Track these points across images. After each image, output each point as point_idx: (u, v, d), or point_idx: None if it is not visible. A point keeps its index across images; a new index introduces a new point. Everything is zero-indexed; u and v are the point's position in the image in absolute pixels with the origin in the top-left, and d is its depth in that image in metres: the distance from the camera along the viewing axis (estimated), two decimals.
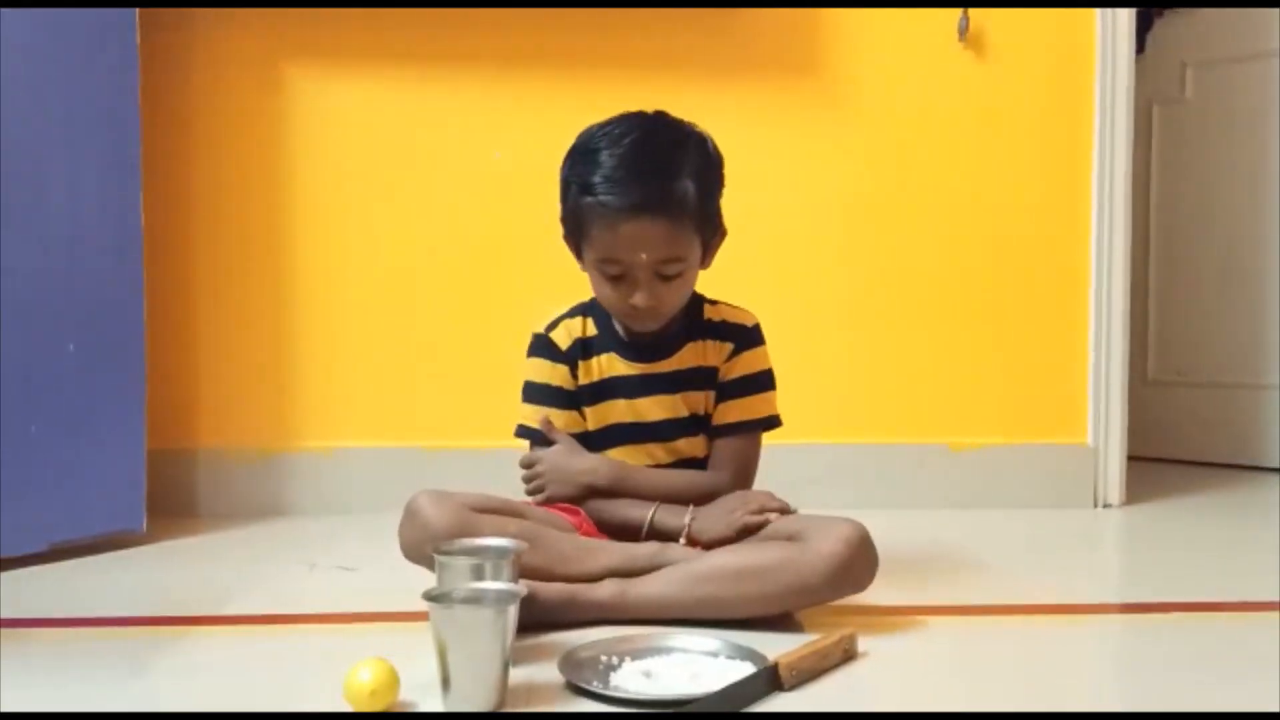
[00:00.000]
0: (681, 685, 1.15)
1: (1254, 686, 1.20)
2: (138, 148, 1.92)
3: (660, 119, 1.51)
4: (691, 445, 1.59)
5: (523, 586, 1.21)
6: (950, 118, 2.32)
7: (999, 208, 2.34)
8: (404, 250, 2.26)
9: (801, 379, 2.30)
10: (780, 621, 1.39)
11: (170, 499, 2.14)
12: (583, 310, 1.61)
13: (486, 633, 1.10)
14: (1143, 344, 2.97)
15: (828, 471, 2.25)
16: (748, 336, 1.60)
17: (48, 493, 1.78)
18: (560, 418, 1.57)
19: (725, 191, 2.36)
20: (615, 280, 1.48)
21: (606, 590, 1.41)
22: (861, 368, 2.34)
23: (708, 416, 1.59)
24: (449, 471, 2.21)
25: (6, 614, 1.49)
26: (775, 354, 2.29)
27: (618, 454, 1.57)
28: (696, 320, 1.59)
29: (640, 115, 1.51)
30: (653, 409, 1.56)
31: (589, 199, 1.46)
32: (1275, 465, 2.81)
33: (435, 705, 1.10)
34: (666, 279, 1.47)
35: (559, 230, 2.29)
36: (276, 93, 2.22)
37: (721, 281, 2.29)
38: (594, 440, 1.58)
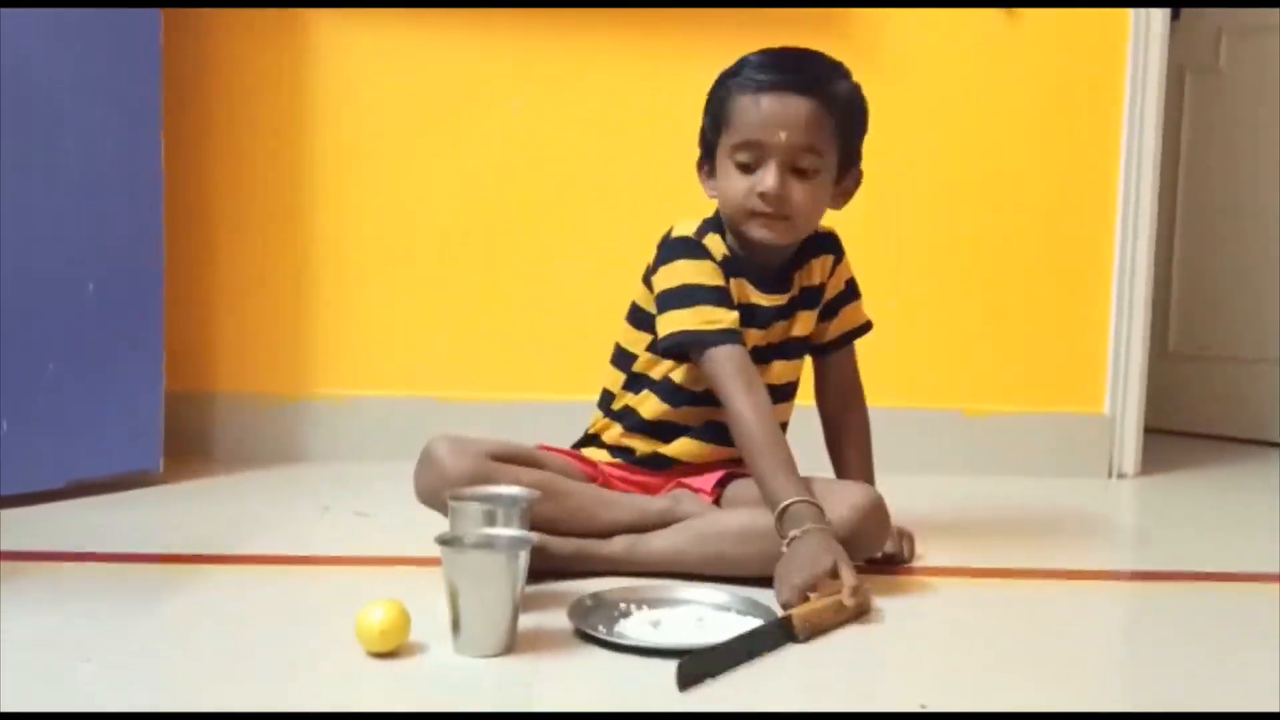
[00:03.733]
0: (689, 635, 1.16)
1: (1255, 654, 1.20)
2: (158, 90, 1.92)
3: (826, 56, 1.46)
4: (784, 369, 1.52)
5: (534, 535, 1.21)
6: (979, 81, 2.30)
7: (1025, 173, 2.32)
8: (422, 200, 2.26)
9: None
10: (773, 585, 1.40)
11: (187, 441, 2.16)
12: (714, 227, 1.49)
13: (497, 578, 1.10)
14: (1165, 315, 2.95)
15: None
16: (838, 244, 1.55)
17: (66, 430, 1.80)
18: (733, 316, 1.42)
19: None
20: (747, 169, 1.40)
21: (617, 546, 1.41)
22: (879, 331, 2.31)
23: (805, 340, 1.54)
24: (463, 422, 2.22)
25: (23, 547, 1.50)
26: None
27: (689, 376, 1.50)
28: (809, 250, 1.52)
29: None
30: (771, 339, 1.51)
31: (735, 80, 1.41)
32: None
33: (445, 648, 1.11)
34: (801, 175, 1.39)
35: (579, 182, 2.30)
36: (297, 40, 2.21)
37: None
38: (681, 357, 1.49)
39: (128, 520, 1.71)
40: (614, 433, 1.55)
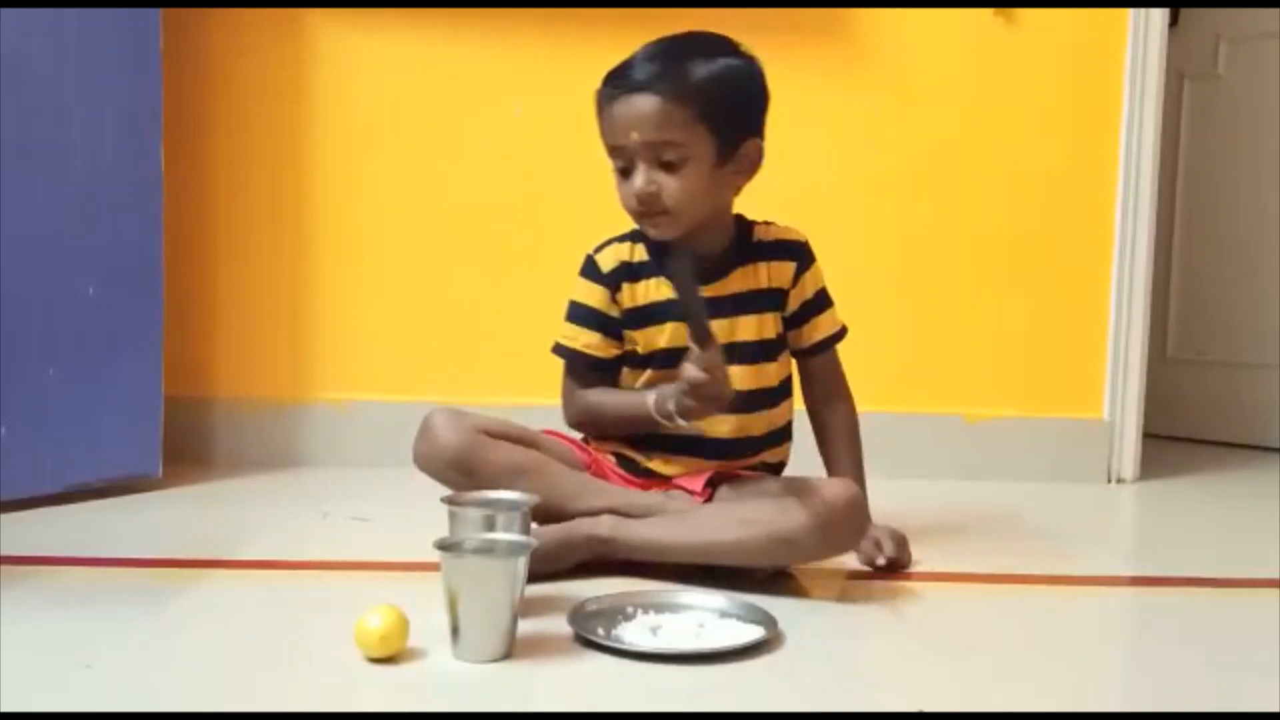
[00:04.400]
0: (687, 640, 1.16)
1: (1254, 660, 1.20)
2: (159, 92, 1.92)
3: (704, 33, 1.49)
4: (736, 376, 1.43)
5: (534, 539, 1.21)
6: (978, 85, 2.30)
7: (1024, 177, 2.32)
8: (423, 203, 2.26)
9: None
10: (785, 586, 1.40)
11: (186, 446, 2.15)
12: (635, 235, 1.54)
13: (497, 583, 1.10)
14: (1163, 320, 2.95)
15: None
16: (807, 252, 1.57)
17: (65, 434, 1.80)
18: (587, 338, 1.52)
19: None
20: (623, 175, 1.44)
21: (604, 524, 1.42)
22: (878, 336, 2.32)
23: (774, 342, 1.54)
24: None
25: (22, 551, 1.50)
26: None
27: (651, 377, 1.52)
28: (746, 243, 1.54)
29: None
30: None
31: (598, 92, 1.45)
32: None
33: (444, 654, 1.11)
34: (669, 168, 1.41)
35: (579, 185, 2.29)
36: (297, 41, 2.21)
37: None
38: (641, 365, 1.53)
39: (127, 525, 1.71)
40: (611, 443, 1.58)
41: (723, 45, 1.47)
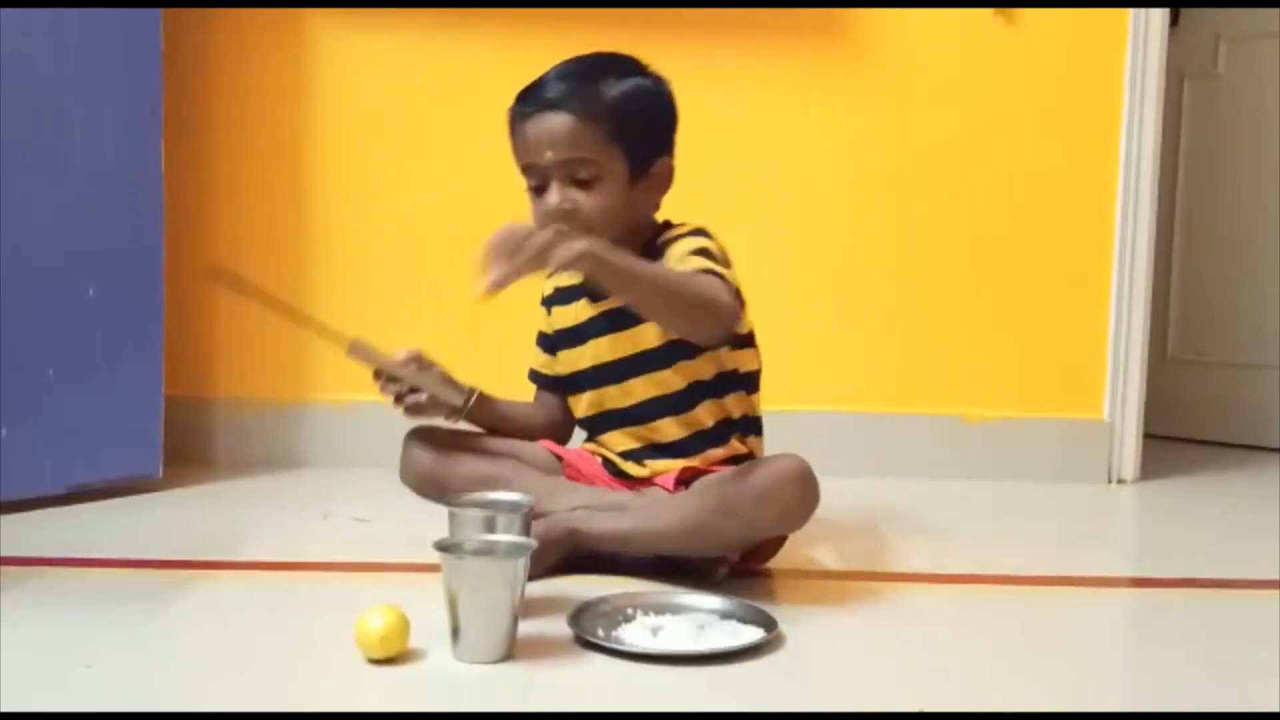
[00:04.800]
0: (688, 642, 1.16)
1: (1255, 660, 1.20)
2: (159, 94, 1.92)
3: (614, 54, 1.48)
4: (656, 382, 1.47)
5: (534, 540, 1.21)
6: (978, 84, 2.30)
7: (1024, 177, 2.32)
8: (423, 203, 2.26)
9: (818, 346, 2.30)
10: (787, 579, 1.40)
11: (186, 446, 2.15)
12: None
13: (497, 584, 1.10)
14: (1164, 321, 2.95)
15: (841, 439, 2.24)
16: (686, 232, 1.47)
17: (65, 435, 1.80)
18: (537, 359, 1.64)
19: (748, 153, 2.36)
20: (537, 194, 1.44)
21: (575, 517, 1.43)
22: (878, 336, 2.33)
23: (679, 345, 1.45)
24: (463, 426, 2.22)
25: (22, 553, 1.50)
26: (792, 320, 2.29)
27: (589, 398, 1.54)
28: (651, 247, 1.47)
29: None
30: (608, 349, 1.50)
31: (509, 112, 1.46)
32: None
33: (445, 655, 1.11)
34: (583, 185, 1.41)
35: None
36: (298, 41, 2.21)
37: (742, 244, 2.28)
38: (567, 387, 1.59)
39: (127, 526, 1.71)
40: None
41: (633, 66, 1.47)
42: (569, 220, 1.40)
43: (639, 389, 1.49)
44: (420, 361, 1.51)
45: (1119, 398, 2.34)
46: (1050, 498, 2.16)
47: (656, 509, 1.40)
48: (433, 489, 1.49)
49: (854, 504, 2.01)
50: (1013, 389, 2.33)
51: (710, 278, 1.33)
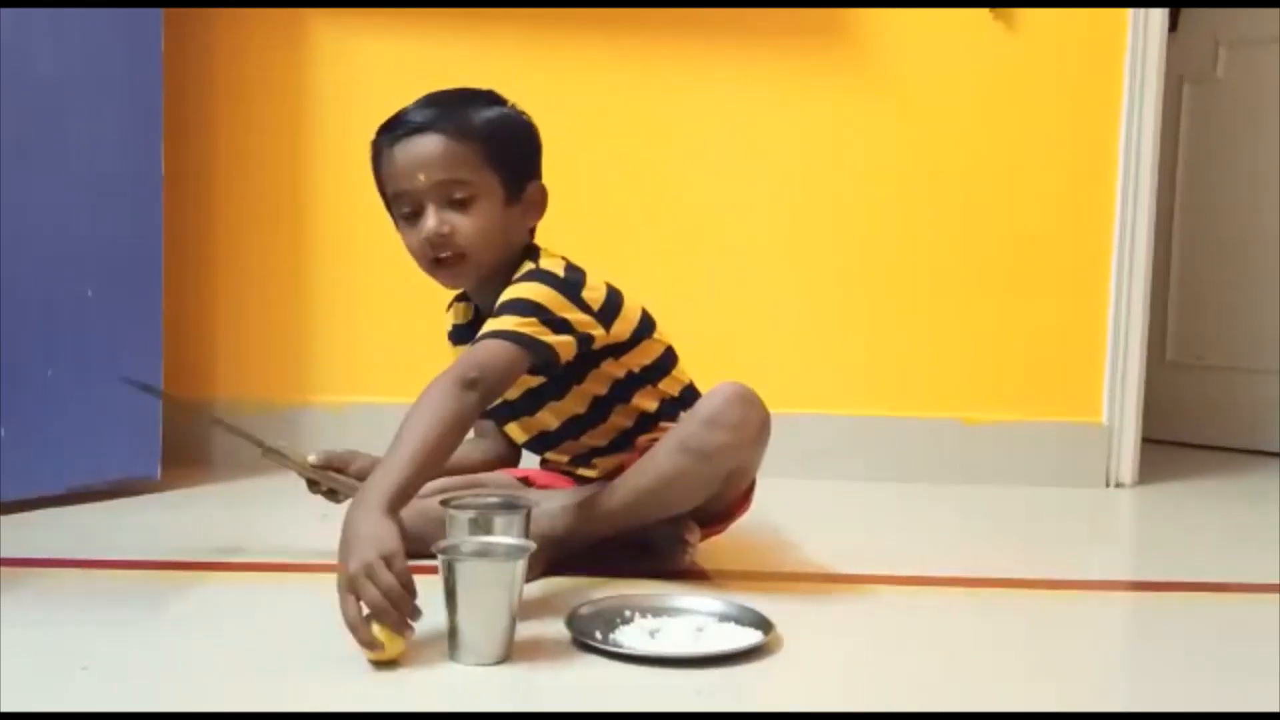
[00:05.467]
0: (686, 644, 1.16)
1: (1253, 664, 1.20)
2: (159, 96, 1.92)
3: (475, 88, 1.48)
4: (559, 411, 1.48)
5: (532, 542, 1.21)
6: (977, 88, 2.30)
7: (1022, 181, 2.32)
8: None
9: (817, 349, 2.31)
10: (785, 582, 1.40)
11: (185, 448, 2.15)
12: (465, 295, 1.56)
13: (495, 586, 1.10)
14: (1162, 324, 2.95)
15: (839, 443, 2.24)
16: (520, 278, 1.40)
17: (64, 436, 1.80)
18: None
19: (747, 154, 2.36)
20: (411, 221, 1.41)
21: (561, 511, 1.43)
22: (877, 339, 2.33)
23: (574, 365, 1.42)
24: None
25: (21, 554, 1.50)
26: (790, 322, 2.29)
27: (515, 427, 1.54)
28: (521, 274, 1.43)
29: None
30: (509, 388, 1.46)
31: (375, 141, 1.45)
32: None
33: (442, 657, 1.11)
34: (459, 207, 1.39)
35: (579, 186, 2.29)
36: (300, 43, 2.21)
37: (740, 246, 2.29)
38: (501, 420, 1.57)
39: (126, 527, 1.71)
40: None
41: (496, 97, 1.48)
42: (447, 244, 1.39)
43: (548, 419, 1.50)
44: (331, 460, 1.48)
45: (1117, 401, 2.34)
46: (1048, 501, 2.16)
47: (629, 478, 1.41)
48: (419, 546, 1.39)
49: (851, 507, 2.02)
50: (1011, 392, 2.33)
51: (487, 344, 1.31)
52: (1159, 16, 2.30)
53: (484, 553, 1.16)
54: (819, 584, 1.46)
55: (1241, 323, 2.90)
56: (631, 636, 1.18)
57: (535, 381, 1.45)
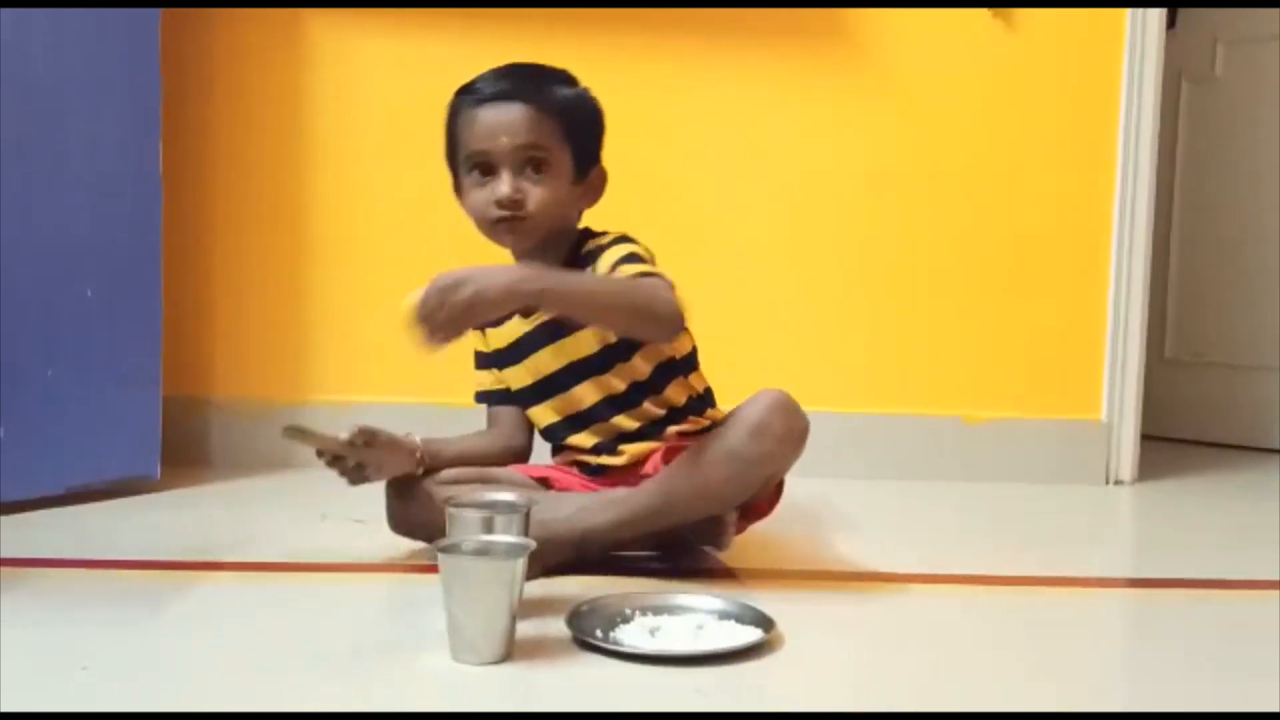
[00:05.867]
0: (686, 642, 1.16)
1: (1253, 661, 1.21)
2: (157, 96, 1.92)
3: (554, 67, 1.51)
4: (600, 385, 1.49)
5: (532, 541, 1.21)
6: (976, 87, 2.30)
7: (1021, 179, 2.32)
8: (422, 203, 2.25)
9: (817, 346, 2.31)
10: (785, 580, 1.40)
11: (184, 447, 2.15)
12: None
13: (495, 585, 1.10)
14: (1161, 322, 2.95)
15: (840, 440, 2.24)
16: (604, 245, 1.47)
17: (64, 436, 1.80)
18: (484, 378, 1.62)
19: (747, 154, 2.36)
20: (480, 183, 1.45)
21: (579, 514, 1.43)
22: (877, 337, 2.33)
23: (614, 347, 1.48)
24: (462, 428, 2.22)
25: (21, 553, 1.50)
26: (790, 320, 2.30)
27: (543, 408, 1.55)
28: (577, 255, 1.49)
29: None
30: (549, 360, 1.51)
31: (459, 99, 1.47)
32: None
33: (443, 656, 1.11)
34: (532, 175, 1.43)
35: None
36: (298, 43, 2.21)
37: (740, 244, 2.29)
38: (528, 402, 1.57)
39: (125, 527, 1.71)
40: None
41: (572, 77, 1.51)
42: (517, 207, 1.42)
43: (585, 395, 1.50)
44: (366, 435, 1.47)
45: (1117, 398, 2.34)
46: (1048, 499, 2.16)
47: (660, 480, 1.41)
48: (423, 535, 1.48)
49: (852, 505, 2.02)
50: (1010, 390, 2.33)
51: (652, 280, 1.36)
52: (1157, 15, 2.30)
53: (484, 551, 1.16)
54: (820, 582, 1.46)
55: (1240, 320, 2.90)
56: (632, 635, 1.18)
57: (592, 348, 1.48)
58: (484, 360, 1.61)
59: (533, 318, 1.51)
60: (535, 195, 1.43)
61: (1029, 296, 2.33)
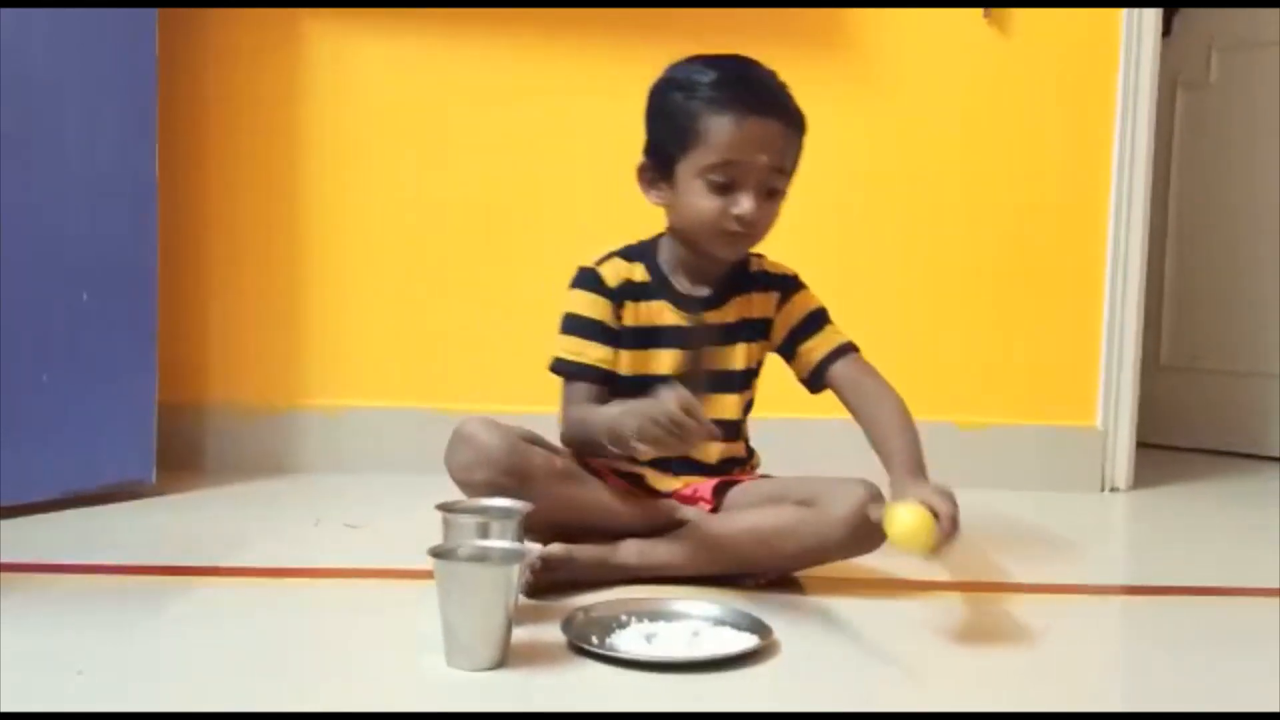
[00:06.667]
0: (681, 648, 1.16)
1: (1248, 668, 1.21)
2: (154, 99, 1.91)
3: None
4: (724, 404, 1.51)
5: (527, 546, 1.21)
6: (972, 94, 2.30)
7: (1017, 186, 2.32)
8: (417, 209, 2.26)
9: None
10: (784, 586, 1.40)
11: (179, 452, 2.15)
12: (636, 254, 1.52)
13: (490, 590, 1.10)
14: (1156, 328, 2.95)
15: (835, 446, 2.21)
16: (793, 282, 1.57)
17: (59, 441, 1.79)
18: (598, 353, 1.46)
19: None
20: (721, 190, 1.40)
21: (630, 553, 1.43)
22: (872, 343, 2.31)
23: (755, 371, 1.55)
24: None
25: (16, 559, 1.50)
26: None
27: None
28: (743, 272, 1.54)
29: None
30: (706, 365, 1.51)
31: (708, 97, 1.40)
32: None
33: (438, 662, 1.11)
34: (770, 196, 1.42)
35: (576, 188, 2.29)
36: (295, 45, 2.21)
37: None
38: (626, 386, 1.46)
39: (120, 531, 1.70)
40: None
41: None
42: (753, 228, 1.43)
43: (709, 409, 1.37)
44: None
45: (1112, 405, 2.34)
46: (1043, 505, 2.16)
47: (723, 539, 1.42)
48: (511, 481, 1.34)
49: None
50: (1006, 396, 2.33)
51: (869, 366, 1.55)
52: (1153, 22, 2.31)
53: (480, 557, 1.16)
54: (815, 588, 1.46)
55: (1235, 326, 2.91)
56: (628, 641, 1.18)
57: (739, 364, 1.52)
58: (602, 332, 1.47)
59: (690, 314, 1.49)
60: (766, 219, 1.43)
61: (1025, 302, 2.33)
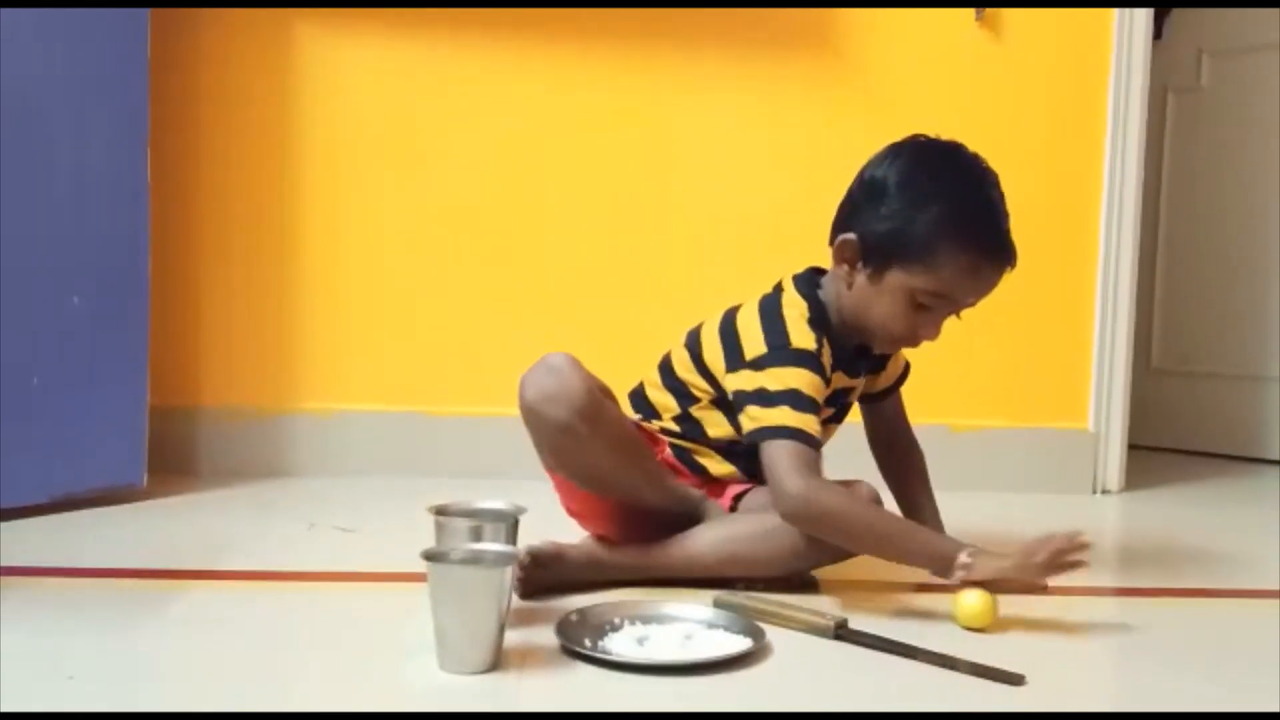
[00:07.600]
0: (674, 651, 1.16)
1: (1239, 669, 1.21)
2: (146, 102, 1.91)
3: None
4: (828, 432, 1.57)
5: (520, 549, 1.21)
6: (964, 98, 2.31)
7: (1009, 188, 2.30)
8: (410, 212, 2.26)
9: None
10: (786, 586, 1.41)
11: (170, 456, 2.14)
12: (814, 325, 1.46)
13: (483, 594, 1.10)
14: (1148, 331, 2.97)
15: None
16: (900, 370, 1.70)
17: (50, 444, 1.79)
18: (814, 424, 1.41)
19: (736, 161, 2.37)
20: (920, 310, 1.41)
21: (629, 555, 1.43)
22: None
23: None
24: (449, 436, 2.22)
25: (7, 563, 1.49)
26: None
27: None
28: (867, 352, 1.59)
29: (974, 155, 1.54)
30: (841, 413, 1.61)
31: (951, 230, 1.38)
32: (1276, 458, 2.81)
33: (430, 664, 1.11)
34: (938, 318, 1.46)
35: (570, 192, 2.29)
36: (286, 50, 2.21)
37: (726, 256, 2.29)
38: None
39: (111, 535, 1.70)
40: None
41: None
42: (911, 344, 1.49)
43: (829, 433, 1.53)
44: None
45: (1103, 408, 2.35)
46: (1035, 508, 2.16)
47: (731, 536, 1.43)
48: (582, 424, 1.32)
49: None
50: (998, 399, 2.34)
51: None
52: (1144, 26, 2.32)
53: (473, 560, 1.16)
54: (808, 591, 1.46)
55: (1226, 329, 2.92)
56: (620, 644, 1.18)
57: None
58: (812, 404, 1.41)
59: (859, 377, 1.57)
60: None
61: (1016, 305, 2.33)
